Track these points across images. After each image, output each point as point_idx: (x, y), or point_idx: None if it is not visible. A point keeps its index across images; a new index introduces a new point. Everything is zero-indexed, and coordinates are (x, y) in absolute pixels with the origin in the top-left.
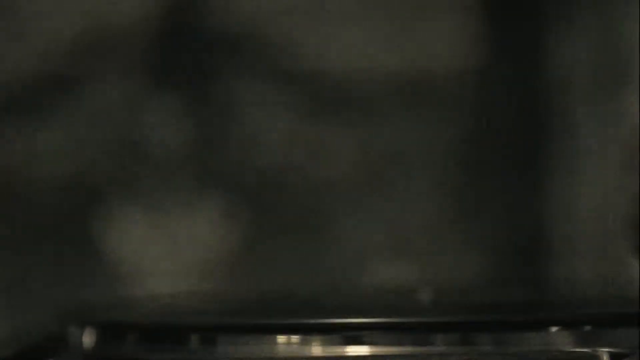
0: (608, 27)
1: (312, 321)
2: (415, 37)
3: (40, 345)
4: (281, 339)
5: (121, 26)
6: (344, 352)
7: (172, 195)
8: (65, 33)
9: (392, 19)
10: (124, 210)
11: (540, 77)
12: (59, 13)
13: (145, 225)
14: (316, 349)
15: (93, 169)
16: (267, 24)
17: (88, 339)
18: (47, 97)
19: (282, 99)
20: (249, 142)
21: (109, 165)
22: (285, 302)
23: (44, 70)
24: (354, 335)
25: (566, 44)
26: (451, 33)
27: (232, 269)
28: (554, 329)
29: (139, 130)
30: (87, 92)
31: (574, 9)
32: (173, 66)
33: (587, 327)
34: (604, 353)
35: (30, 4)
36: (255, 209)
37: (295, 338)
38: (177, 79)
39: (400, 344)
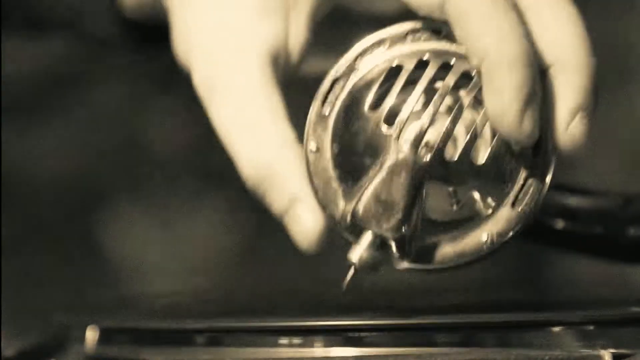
0: (611, 25)
1: (314, 322)
2: None
3: (41, 345)
4: (283, 340)
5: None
6: (346, 353)
7: (174, 195)
8: (67, 33)
9: (395, 19)
10: (126, 210)
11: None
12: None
13: (148, 225)
14: (318, 350)
15: (95, 169)
16: None
17: (90, 338)
18: (49, 97)
19: (283, 99)
20: None
21: (111, 165)
22: (287, 301)
23: (45, 70)
24: (356, 336)
25: None
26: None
27: (233, 269)
28: (556, 329)
29: (141, 130)
30: (89, 92)
31: (578, 9)
32: (174, 66)
33: (590, 327)
34: (607, 353)
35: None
36: (257, 208)
37: (297, 339)
38: (178, 79)
39: (402, 344)
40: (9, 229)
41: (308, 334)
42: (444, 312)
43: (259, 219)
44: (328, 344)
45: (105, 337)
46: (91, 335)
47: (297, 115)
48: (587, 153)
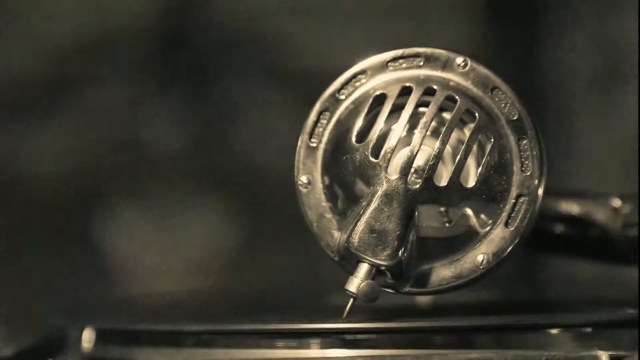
0: (607, 27)
1: (311, 325)
2: (415, 37)
3: (40, 345)
4: (280, 342)
5: (122, 27)
6: (343, 355)
7: (172, 195)
8: (67, 33)
9: (393, 19)
10: (124, 211)
11: (540, 77)
12: (60, 13)
13: (145, 225)
14: (315, 353)
15: (94, 169)
16: (267, 24)
17: (86, 339)
18: (48, 97)
19: (281, 100)
20: (249, 143)
21: (110, 166)
22: (284, 303)
23: (45, 70)
24: (353, 339)
25: (565, 43)
26: (449, 34)
27: (231, 270)
28: (553, 330)
29: (140, 131)
30: (88, 92)
31: (574, 9)
32: (174, 66)
33: (587, 329)
34: (604, 354)
35: (31, 4)
36: (255, 209)
37: (294, 342)
38: (177, 79)
39: (399, 347)
40: (6, 230)
41: (305, 337)
42: (442, 314)
43: (257, 220)
44: (325, 346)
45: (102, 338)
46: (88, 336)
47: (295, 114)
48: (582, 155)
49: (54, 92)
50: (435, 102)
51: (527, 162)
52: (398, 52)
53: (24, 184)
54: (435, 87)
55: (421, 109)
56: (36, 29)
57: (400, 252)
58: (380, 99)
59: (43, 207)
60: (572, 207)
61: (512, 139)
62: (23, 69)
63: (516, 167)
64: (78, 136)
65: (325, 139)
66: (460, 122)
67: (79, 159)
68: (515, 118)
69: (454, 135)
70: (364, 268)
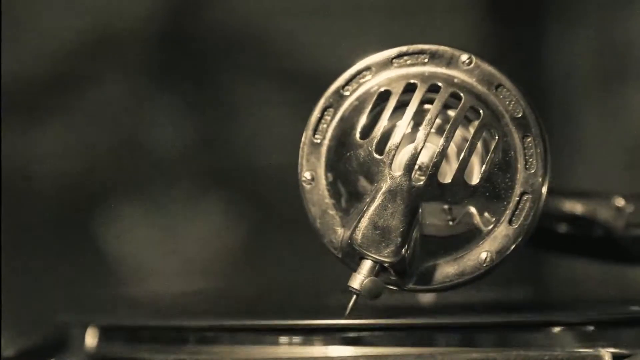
0: (613, 25)
1: (314, 322)
2: (416, 37)
3: (41, 345)
4: (283, 339)
5: (123, 27)
6: (346, 352)
7: (174, 194)
8: (68, 33)
9: (393, 19)
10: (125, 210)
11: (545, 75)
12: (60, 13)
13: (147, 224)
14: (318, 350)
15: (95, 168)
16: (267, 24)
17: (90, 338)
18: (49, 97)
19: (282, 99)
20: (250, 142)
21: (111, 165)
22: (287, 301)
23: (46, 70)
24: (355, 336)
25: (569, 41)
26: (453, 32)
27: (233, 268)
28: (556, 329)
29: (141, 130)
30: (89, 92)
31: (579, 7)
32: (174, 66)
33: (590, 327)
34: (607, 353)
35: (33, 5)
36: (257, 208)
37: (297, 339)
38: (178, 79)
39: (401, 344)
40: (9, 229)
41: (308, 334)
42: (444, 312)
43: (259, 217)
44: (327, 344)
45: (106, 336)
46: (91, 334)
47: (296, 114)
48: (586, 154)
49: (55, 93)
50: (439, 99)
51: (531, 159)
52: (402, 48)
53: (27, 184)
54: (439, 84)
55: (426, 106)
56: (38, 30)
57: (403, 249)
58: (384, 96)
59: (46, 207)
60: (575, 206)
61: (516, 136)
62: (25, 69)
63: (520, 165)
64: (80, 136)
65: (329, 135)
66: (465, 120)
67: (82, 159)
68: (519, 115)
69: (458, 133)
70: (367, 265)
